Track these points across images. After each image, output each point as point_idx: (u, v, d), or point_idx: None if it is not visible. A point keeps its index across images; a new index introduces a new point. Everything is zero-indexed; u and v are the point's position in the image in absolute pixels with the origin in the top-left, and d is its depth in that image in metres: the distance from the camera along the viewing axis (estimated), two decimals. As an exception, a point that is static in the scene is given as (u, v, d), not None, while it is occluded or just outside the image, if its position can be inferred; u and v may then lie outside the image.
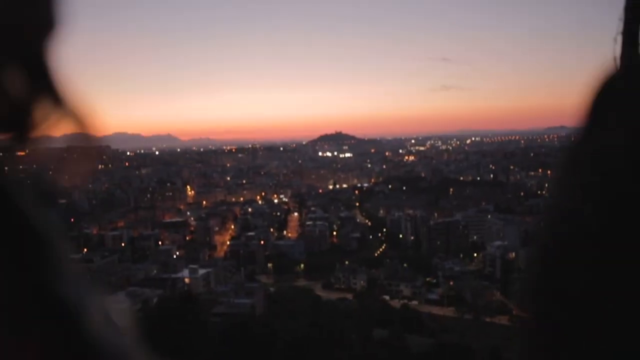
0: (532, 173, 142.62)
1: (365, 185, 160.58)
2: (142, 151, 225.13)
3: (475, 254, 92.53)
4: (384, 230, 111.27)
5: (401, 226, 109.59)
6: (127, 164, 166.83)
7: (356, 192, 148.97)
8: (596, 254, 0.41)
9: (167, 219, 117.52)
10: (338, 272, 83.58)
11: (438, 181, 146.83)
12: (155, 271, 77.97)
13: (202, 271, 74.40)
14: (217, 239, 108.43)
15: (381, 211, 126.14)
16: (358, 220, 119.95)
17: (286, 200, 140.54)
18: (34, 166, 0.50)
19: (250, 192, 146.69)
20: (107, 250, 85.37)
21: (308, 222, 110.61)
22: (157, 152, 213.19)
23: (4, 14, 0.37)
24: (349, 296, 68.86)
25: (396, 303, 66.85)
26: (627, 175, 0.40)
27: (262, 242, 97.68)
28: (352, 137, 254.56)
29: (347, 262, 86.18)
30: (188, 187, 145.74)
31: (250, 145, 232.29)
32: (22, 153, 0.47)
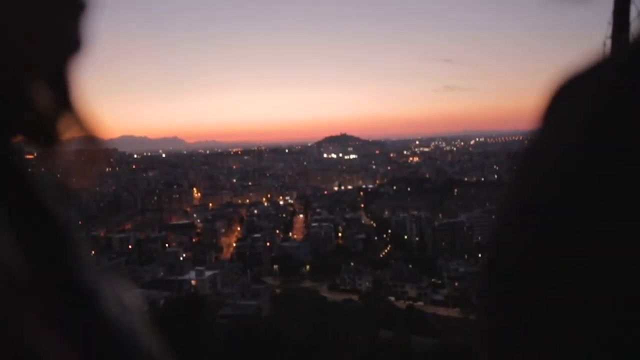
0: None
1: (370, 186, 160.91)
2: (149, 154, 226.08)
3: (480, 255, 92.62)
4: (389, 231, 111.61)
5: (406, 227, 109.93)
6: (134, 166, 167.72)
7: (361, 193, 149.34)
8: (541, 255, 0.41)
9: (174, 221, 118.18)
10: (343, 273, 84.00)
11: (442, 182, 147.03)
12: (162, 273, 78.57)
13: (208, 273, 74.95)
14: (224, 240, 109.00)
15: (386, 212, 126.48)
16: (363, 221, 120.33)
17: (292, 202, 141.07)
18: (50, 169, 0.54)
19: (256, 194, 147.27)
20: (115, 253, 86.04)
21: (313, 224, 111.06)
22: (163, 155, 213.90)
23: (36, 39, 0.41)
24: (355, 297, 69.26)
25: (401, 304, 67.26)
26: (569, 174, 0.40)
27: (268, 244, 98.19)
28: (357, 139, 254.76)
29: (352, 264, 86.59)
30: (194, 189, 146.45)
31: (256, 148, 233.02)
32: (41, 157, 0.53)
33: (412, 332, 43.27)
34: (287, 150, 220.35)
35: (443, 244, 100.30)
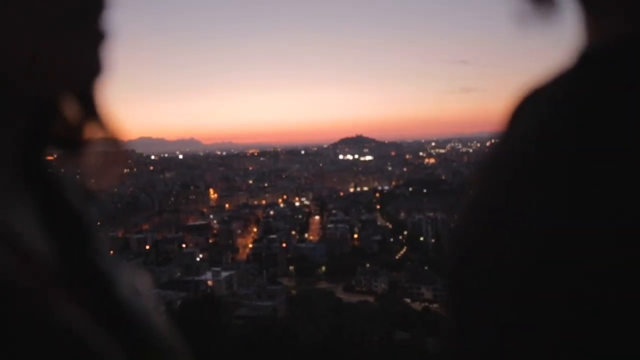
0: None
1: (386, 188, 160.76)
2: (166, 155, 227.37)
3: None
4: (405, 232, 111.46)
5: (422, 229, 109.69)
6: (151, 168, 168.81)
7: (377, 194, 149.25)
8: (503, 259, 0.43)
9: (191, 222, 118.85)
10: (359, 274, 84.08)
11: (459, 183, 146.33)
12: (178, 274, 79.07)
13: (224, 274, 75.33)
14: (240, 241, 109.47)
15: (402, 214, 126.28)
16: (379, 223, 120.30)
17: (307, 203, 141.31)
18: (73, 171, 0.64)
19: (272, 195, 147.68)
20: (132, 253, 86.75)
21: (329, 225, 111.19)
22: (181, 157, 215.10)
23: (65, 65, 0.48)
24: (370, 299, 69.32)
25: (417, 306, 67.14)
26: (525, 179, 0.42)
27: (284, 245, 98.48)
28: (373, 140, 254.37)
29: (368, 265, 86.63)
30: (211, 190, 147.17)
31: (272, 149, 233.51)
32: (66, 160, 0.62)
33: (428, 333, 43.21)
34: (303, 152, 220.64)
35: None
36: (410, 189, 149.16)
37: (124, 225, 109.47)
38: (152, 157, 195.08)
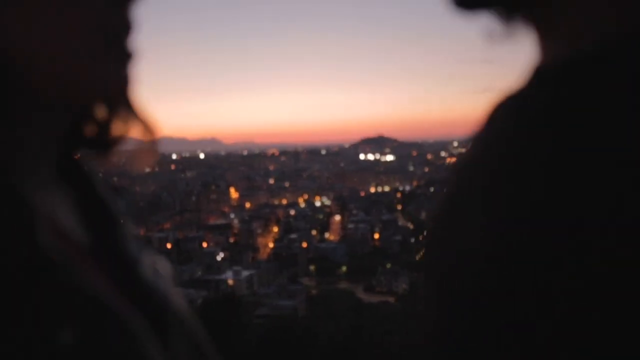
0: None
1: (407, 188, 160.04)
2: (187, 155, 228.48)
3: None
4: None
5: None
6: (173, 167, 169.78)
7: (398, 195, 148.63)
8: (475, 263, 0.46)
9: (212, 222, 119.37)
10: (380, 275, 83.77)
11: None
12: (199, 273, 79.44)
13: (245, 273, 75.52)
14: (260, 241, 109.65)
15: (423, 214, 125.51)
16: (400, 223, 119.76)
17: (328, 203, 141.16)
18: (103, 168, 0.74)
19: (293, 195, 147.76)
20: (154, 252, 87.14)
21: (350, 225, 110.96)
22: (202, 156, 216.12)
23: (99, 76, 0.58)
24: (391, 299, 68.99)
25: (438, 307, 66.56)
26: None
27: (304, 245, 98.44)
28: (394, 140, 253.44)
29: (389, 265, 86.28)
30: (232, 190, 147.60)
31: (293, 149, 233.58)
32: (98, 158, 0.71)
33: (449, 335, 42.77)
34: (323, 152, 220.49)
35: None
36: (432, 189, 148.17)
37: (146, 224, 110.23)
38: (174, 156, 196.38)
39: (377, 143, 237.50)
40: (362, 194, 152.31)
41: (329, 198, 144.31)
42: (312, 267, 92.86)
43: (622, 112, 0.39)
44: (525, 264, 0.41)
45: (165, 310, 0.66)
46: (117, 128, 0.69)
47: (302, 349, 28.37)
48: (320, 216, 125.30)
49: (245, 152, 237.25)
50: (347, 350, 29.06)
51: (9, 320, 0.47)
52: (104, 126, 0.69)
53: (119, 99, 0.65)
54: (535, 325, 0.40)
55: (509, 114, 0.51)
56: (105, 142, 0.70)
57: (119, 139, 0.70)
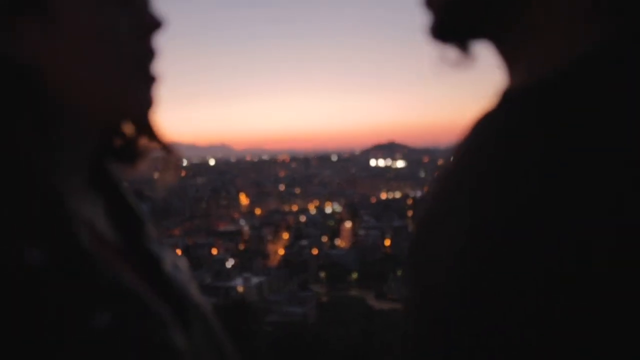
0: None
1: (419, 194, 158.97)
2: (197, 161, 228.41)
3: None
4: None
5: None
6: (183, 173, 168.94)
7: (409, 201, 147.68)
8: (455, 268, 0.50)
9: (222, 228, 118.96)
10: (391, 281, 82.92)
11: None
12: (209, 279, 78.92)
13: (255, 280, 74.95)
14: (270, 247, 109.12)
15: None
16: (411, 229, 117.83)
17: (339, 209, 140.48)
18: (129, 177, 0.86)
19: (303, 201, 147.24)
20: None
21: (361, 232, 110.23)
22: (212, 162, 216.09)
23: (127, 98, 0.71)
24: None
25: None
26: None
27: (314, 251, 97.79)
28: (405, 147, 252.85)
29: (400, 272, 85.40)
30: (242, 196, 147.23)
31: (303, 155, 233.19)
32: (125, 168, 0.84)
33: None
34: (333, 158, 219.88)
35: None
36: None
37: (156, 229, 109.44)
38: (184, 162, 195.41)
39: (389, 149, 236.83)
40: (373, 200, 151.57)
41: (339, 204, 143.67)
42: (322, 274, 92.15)
43: (573, 131, 0.46)
44: (506, 264, 0.45)
45: (185, 300, 0.77)
46: (141, 143, 0.81)
47: (313, 356, 27.83)
48: (331, 223, 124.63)
49: (256, 159, 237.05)
50: (358, 357, 28.49)
51: (55, 307, 0.57)
52: (130, 141, 0.81)
53: (143, 118, 0.77)
54: (514, 325, 0.43)
55: (481, 131, 0.59)
56: (131, 155, 0.82)
57: (143, 152, 0.82)
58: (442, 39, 0.60)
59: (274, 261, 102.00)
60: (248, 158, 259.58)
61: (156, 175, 0.85)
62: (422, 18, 0.58)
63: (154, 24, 0.73)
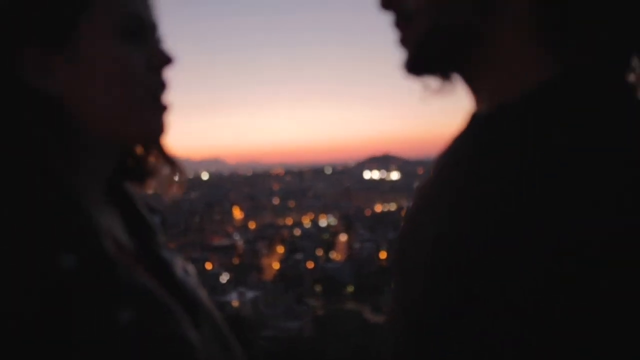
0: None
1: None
2: (191, 176, 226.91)
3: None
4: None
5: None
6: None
7: (404, 213, 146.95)
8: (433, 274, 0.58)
9: (216, 242, 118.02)
10: (387, 294, 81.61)
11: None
12: (203, 294, 77.91)
13: (250, 294, 74.08)
14: (265, 261, 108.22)
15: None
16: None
17: (333, 222, 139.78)
18: (142, 191, 0.97)
19: (298, 214, 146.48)
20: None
21: (356, 244, 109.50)
22: (206, 176, 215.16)
23: (142, 126, 0.83)
24: (399, 319, 67.12)
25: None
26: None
27: (309, 265, 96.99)
28: (400, 159, 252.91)
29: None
30: (235, 210, 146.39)
31: (297, 169, 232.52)
32: (138, 185, 0.96)
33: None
34: (326, 171, 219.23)
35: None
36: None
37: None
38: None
39: (383, 161, 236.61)
40: (368, 212, 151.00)
41: (334, 217, 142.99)
42: (318, 288, 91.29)
43: (526, 152, 0.56)
44: (494, 272, 0.50)
45: (195, 301, 0.86)
46: (151, 163, 0.94)
47: (308, 372, 27.10)
48: (326, 236, 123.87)
49: (249, 173, 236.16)
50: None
51: (86, 304, 0.67)
52: (141, 161, 0.93)
53: (156, 142, 0.90)
54: (507, 329, 0.46)
55: (455, 149, 0.72)
56: (142, 173, 0.94)
57: (152, 172, 0.94)
58: (414, 73, 0.69)
59: (268, 275, 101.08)
60: (242, 172, 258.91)
61: (163, 190, 0.96)
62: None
63: (165, 59, 0.84)
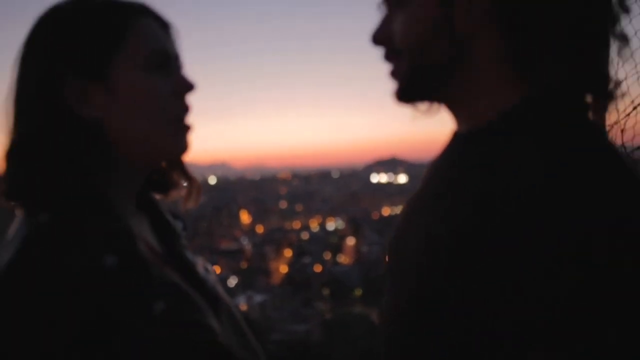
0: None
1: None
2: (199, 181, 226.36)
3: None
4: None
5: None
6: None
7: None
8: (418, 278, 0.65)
9: (223, 246, 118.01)
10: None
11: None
12: (211, 298, 77.81)
13: (258, 298, 73.99)
14: (273, 265, 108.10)
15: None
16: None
17: (341, 225, 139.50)
18: (165, 201, 1.15)
19: (305, 218, 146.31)
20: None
21: (364, 247, 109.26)
22: (213, 181, 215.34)
23: (165, 147, 0.97)
24: (407, 322, 66.77)
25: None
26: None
27: (317, 268, 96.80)
28: (407, 162, 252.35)
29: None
30: (243, 214, 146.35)
31: (304, 172, 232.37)
32: (163, 195, 1.13)
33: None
34: (333, 175, 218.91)
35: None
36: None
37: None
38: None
39: (390, 164, 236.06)
40: (376, 216, 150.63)
41: (342, 220, 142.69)
42: (326, 291, 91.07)
43: (502, 170, 0.63)
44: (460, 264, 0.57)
45: (214, 295, 0.98)
46: (173, 177, 1.08)
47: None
48: (334, 239, 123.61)
49: (257, 177, 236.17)
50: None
51: (125, 297, 0.80)
52: (166, 175, 1.08)
53: (179, 159, 1.05)
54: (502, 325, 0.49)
55: (440, 163, 0.83)
56: (166, 186, 1.09)
57: (175, 184, 1.09)
58: (404, 101, 0.80)
59: (276, 279, 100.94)
60: (249, 176, 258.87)
61: (187, 205, 1.11)
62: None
63: (188, 86, 0.96)
